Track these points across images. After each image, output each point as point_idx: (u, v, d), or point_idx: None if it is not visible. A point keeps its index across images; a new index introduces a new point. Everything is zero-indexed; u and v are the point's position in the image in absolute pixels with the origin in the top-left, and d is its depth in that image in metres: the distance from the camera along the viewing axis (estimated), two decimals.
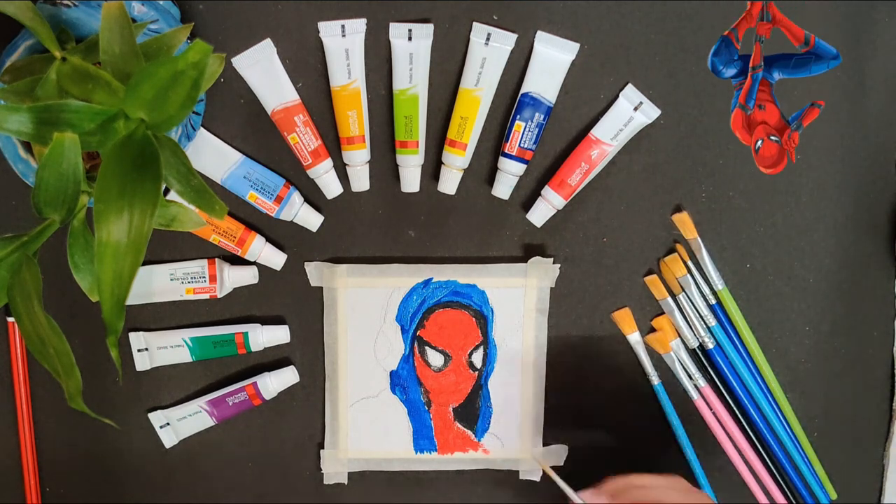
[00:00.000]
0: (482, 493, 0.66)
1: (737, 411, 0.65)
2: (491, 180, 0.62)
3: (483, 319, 0.64)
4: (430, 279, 0.63)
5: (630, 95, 0.61)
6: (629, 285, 0.64)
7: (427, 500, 0.66)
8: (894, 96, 0.63)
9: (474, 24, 0.60)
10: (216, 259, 0.62)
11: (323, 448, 0.65)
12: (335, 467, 0.65)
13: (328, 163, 0.61)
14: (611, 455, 0.66)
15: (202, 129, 0.61)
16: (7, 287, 0.43)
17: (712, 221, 0.64)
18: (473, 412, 0.65)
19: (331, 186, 0.62)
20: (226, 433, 0.65)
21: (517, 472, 0.66)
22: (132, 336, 0.63)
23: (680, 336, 0.64)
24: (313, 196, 0.63)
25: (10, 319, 0.62)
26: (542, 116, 0.60)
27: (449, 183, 0.62)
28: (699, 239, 0.63)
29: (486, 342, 0.64)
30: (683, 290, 0.64)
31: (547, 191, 0.61)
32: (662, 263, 0.64)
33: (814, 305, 0.65)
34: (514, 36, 0.60)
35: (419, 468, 0.66)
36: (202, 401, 0.63)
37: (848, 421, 0.66)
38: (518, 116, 0.60)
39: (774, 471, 0.66)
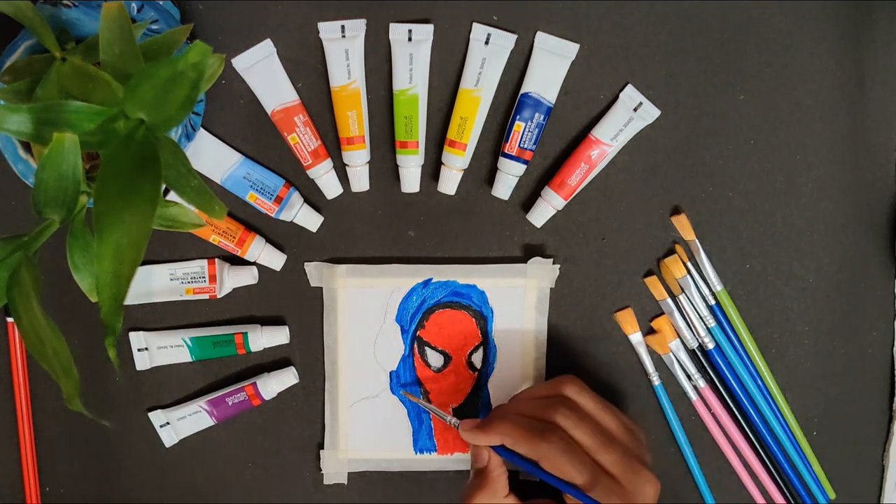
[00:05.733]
0: None
1: (736, 412, 0.65)
2: (491, 180, 0.62)
3: (483, 320, 0.64)
4: (430, 279, 0.63)
5: (630, 95, 0.61)
6: (629, 285, 0.64)
7: (427, 500, 0.66)
8: (894, 96, 0.63)
9: (474, 24, 0.60)
10: (216, 259, 0.62)
11: (323, 448, 0.65)
12: (335, 467, 0.65)
13: (328, 163, 0.61)
14: None
15: (202, 129, 0.61)
16: (7, 287, 0.43)
17: (712, 222, 0.63)
18: (473, 413, 0.65)
19: (330, 187, 0.62)
20: (226, 433, 0.65)
21: (517, 472, 0.66)
22: (132, 336, 0.63)
23: (679, 337, 0.64)
24: (313, 196, 0.63)
25: (10, 319, 0.62)
26: (542, 116, 0.60)
27: (449, 183, 0.62)
28: (697, 241, 0.63)
29: (486, 342, 0.64)
30: (683, 291, 0.64)
31: (547, 191, 0.61)
32: (662, 264, 0.64)
33: (814, 305, 0.65)
34: (514, 36, 0.60)
35: (419, 468, 0.66)
36: (202, 401, 0.63)
37: (848, 421, 0.66)
38: (518, 116, 0.60)
39: (773, 471, 0.66)
